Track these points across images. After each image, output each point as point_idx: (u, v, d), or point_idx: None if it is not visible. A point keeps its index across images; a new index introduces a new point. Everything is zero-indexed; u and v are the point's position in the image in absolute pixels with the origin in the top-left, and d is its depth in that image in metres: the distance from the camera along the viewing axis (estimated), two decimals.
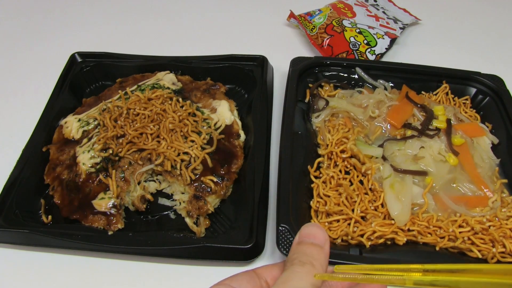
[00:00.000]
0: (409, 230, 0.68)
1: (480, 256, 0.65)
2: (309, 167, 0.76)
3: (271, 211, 0.76)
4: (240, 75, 0.92)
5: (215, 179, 0.73)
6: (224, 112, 0.84)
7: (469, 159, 0.76)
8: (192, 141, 0.77)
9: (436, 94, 0.89)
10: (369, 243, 0.67)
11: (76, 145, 0.79)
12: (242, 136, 0.82)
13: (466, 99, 0.89)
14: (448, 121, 0.81)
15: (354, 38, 1.02)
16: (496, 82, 0.87)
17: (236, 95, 0.93)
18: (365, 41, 1.01)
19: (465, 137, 0.79)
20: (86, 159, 0.75)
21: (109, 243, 0.67)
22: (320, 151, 0.80)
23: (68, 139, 0.81)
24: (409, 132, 0.80)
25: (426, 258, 0.64)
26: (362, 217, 0.70)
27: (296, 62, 0.90)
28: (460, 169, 0.75)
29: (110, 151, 0.75)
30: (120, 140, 0.77)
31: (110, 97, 0.87)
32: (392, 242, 0.68)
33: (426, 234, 0.67)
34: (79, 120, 0.83)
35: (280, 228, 0.64)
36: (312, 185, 0.75)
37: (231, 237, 0.67)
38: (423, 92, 0.90)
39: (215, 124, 0.81)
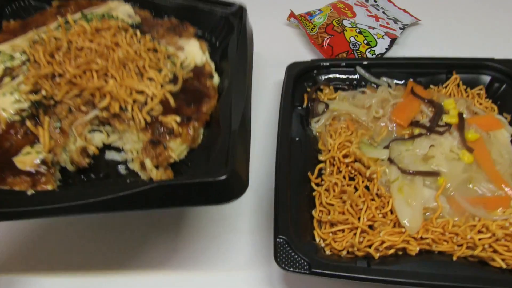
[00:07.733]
0: (422, 238, 0.61)
1: (504, 266, 0.57)
2: (309, 174, 0.71)
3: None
4: (213, 21, 0.75)
5: (178, 119, 0.58)
6: (194, 51, 0.68)
7: (486, 155, 0.68)
8: (150, 79, 0.61)
9: (446, 87, 0.82)
10: (378, 254, 0.60)
11: None
12: (216, 78, 0.67)
13: (481, 89, 0.81)
14: (460, 115, 0.73)
15: (354, 38, 0.99)
16: None
17: (206, 43, 0.75)
18: (365, 41, 0.99)
19: (480, 131, 0.72)
20: (8, 103, 0.59)
21: (24, 206, 0.49)
22: (321, 157, 0.74)
23: None
24: (417, 131, 0.73)
25: (443, 269, 0.57)
26: (370, 226, 0.64)
27: (292, 67, 0.84)
28: (476, 167, 0.67)
29: (43, 93, 0.59)
30: (58, 80, 0.60)
31: (43, 25, 0.70)
32: (403, 252, 0.61)
33: (441, 242, 0.60)
34: (0, 52, 0.67)
35: (278, 240, 0.59)
36: (313, 194, 0.69)
37: (198, 173, 0.51)
38: (431, 86, 0.83)
39: (181, 63, 0.65)
